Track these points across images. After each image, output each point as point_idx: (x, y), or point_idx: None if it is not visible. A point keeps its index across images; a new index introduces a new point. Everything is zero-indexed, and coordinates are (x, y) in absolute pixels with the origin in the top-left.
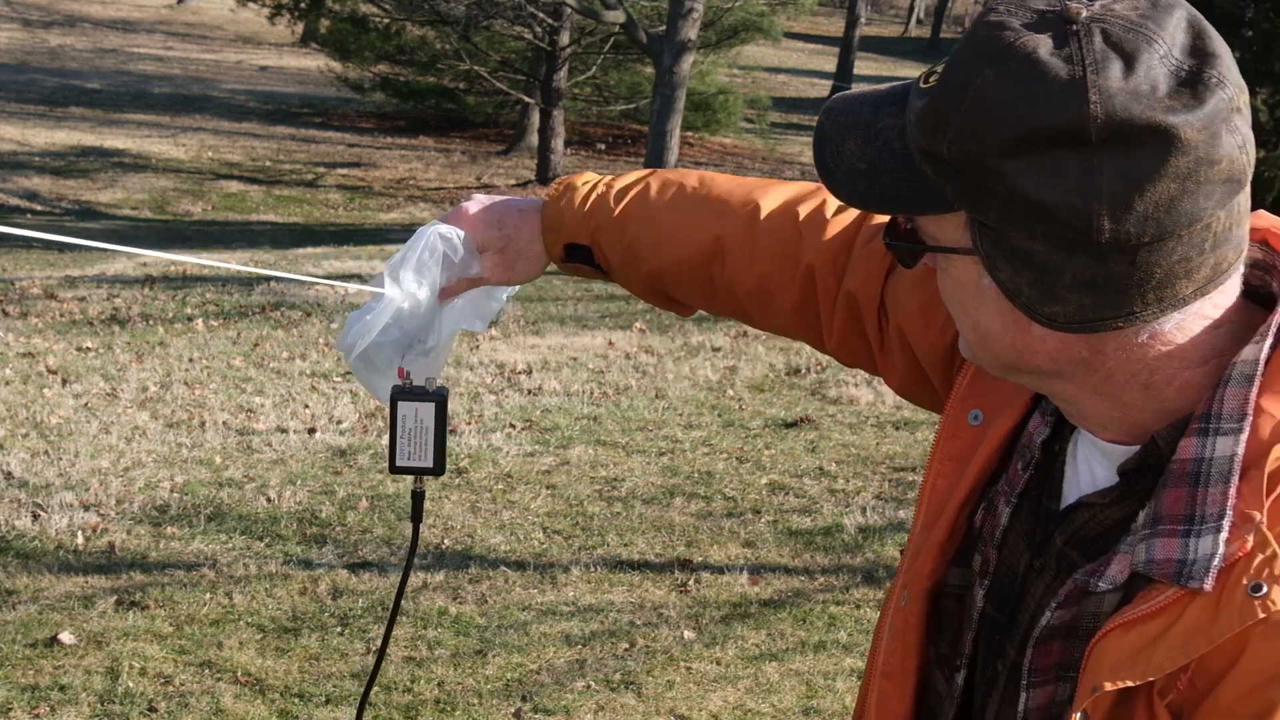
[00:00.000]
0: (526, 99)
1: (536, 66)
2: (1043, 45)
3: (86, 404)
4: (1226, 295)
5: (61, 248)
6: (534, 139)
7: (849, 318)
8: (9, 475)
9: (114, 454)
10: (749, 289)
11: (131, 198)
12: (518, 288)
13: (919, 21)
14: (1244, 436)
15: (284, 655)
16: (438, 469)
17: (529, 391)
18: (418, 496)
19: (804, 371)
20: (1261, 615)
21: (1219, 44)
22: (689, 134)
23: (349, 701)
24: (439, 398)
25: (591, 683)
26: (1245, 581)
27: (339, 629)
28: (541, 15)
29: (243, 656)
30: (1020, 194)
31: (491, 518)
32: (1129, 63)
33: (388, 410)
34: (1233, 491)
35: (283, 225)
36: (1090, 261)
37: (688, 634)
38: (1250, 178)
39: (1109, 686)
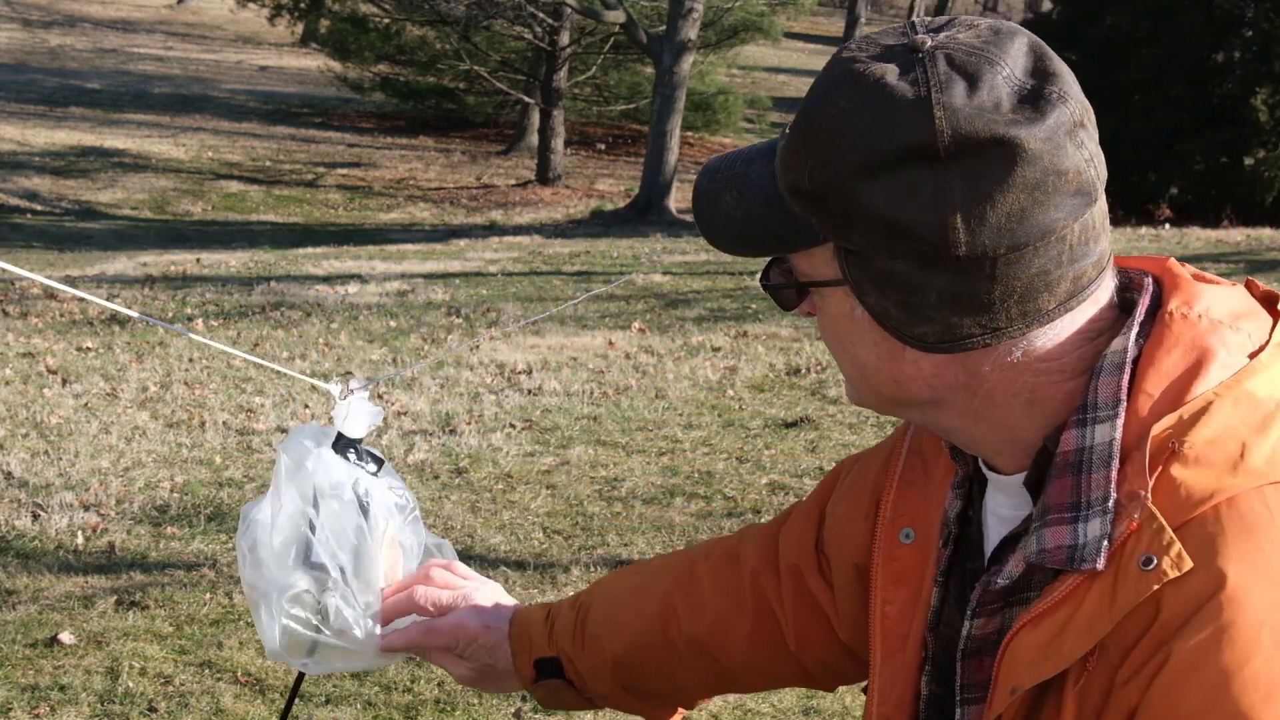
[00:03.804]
0: (526, 99)
1: (536, 66)
2: (890, 72)
3: (86, 404)
4: (1096, 306)
5: (62, 248)
6: (534, 139)
7: (796, 591)
8: (9, 475)
9: (114, 454)
10: (707, 630)
11: (131, 198)
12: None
13: None
14: (1119, 421)
15: None
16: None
17: (529, 391)
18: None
19: (804, 371)
20: (1155, 587)
21: (1060, 65)
22: (689, 134)
23: (349, 701)
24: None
25: None
26: (1137, 557)
27: None
28: (541, 15)
29: (243, 656)
30: (879, 215)
31: (491, 518)
32: (972, 83)
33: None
34: (1114, 474)
35: (283, 225)
36: (952, 278)
37: None
38: (1101, 192)
39: (1030, 683)
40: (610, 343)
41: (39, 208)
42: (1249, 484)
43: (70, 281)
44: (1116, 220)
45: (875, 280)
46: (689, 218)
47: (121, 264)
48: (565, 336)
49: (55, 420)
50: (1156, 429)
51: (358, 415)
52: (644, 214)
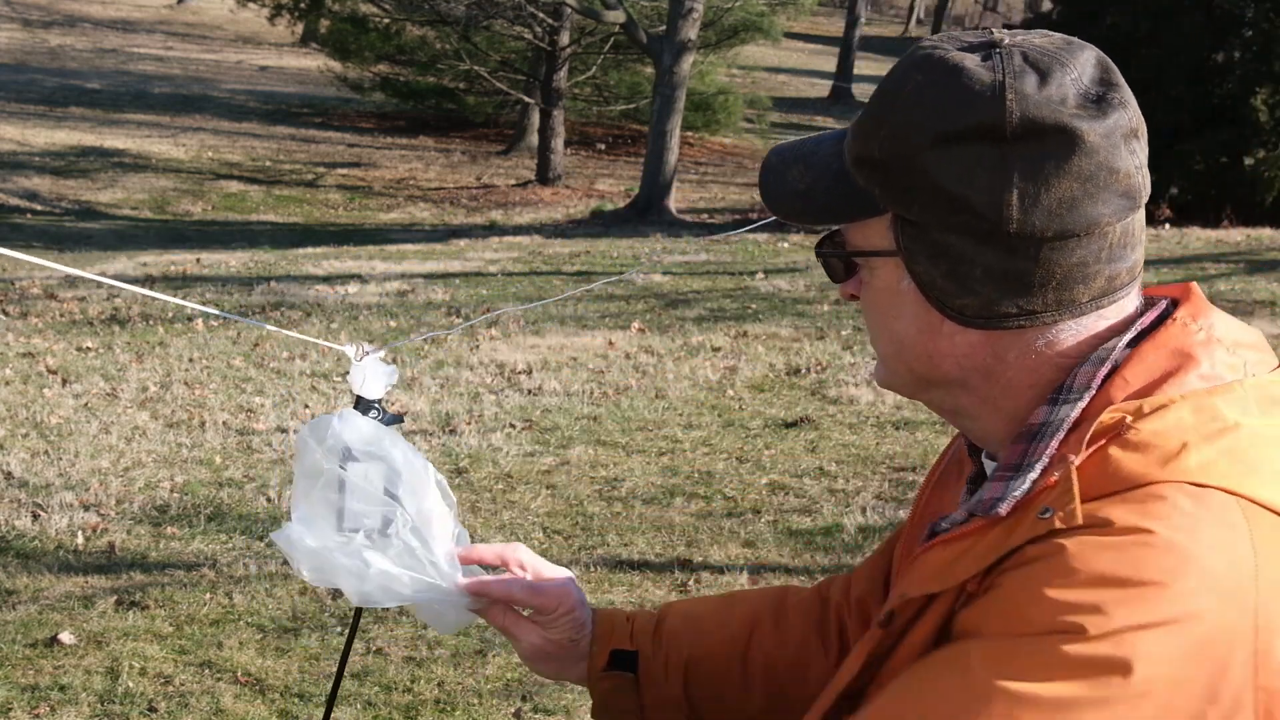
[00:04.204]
0: (526, 99)
1: (536, 66)
2: (969, 59)
3: (86, 404)
4: (1120, 315)
5: (62, 248)
6: (534, 139)
7: (860, 627)
8: (9, 475)
9: (114, 454)
10: (791, 658)
11: (131, 198)
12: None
13: (919, 21)
14: (1082, 404)
15: (284, 655)
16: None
17: (529, 391)
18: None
19: (804, 371)
20: (1044, 531)
21: (1122, 80)
22: (689, 134)
23: (349, 701)
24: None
25: None
26: (1040, 507)
27: (339, 629)
28: (541, 15)
29: (243, 656)
30: (942, 187)
31: (491, 518)
32: (1043, 77)
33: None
34: (1056, 441)
35: (283, 225)
36: (1000, 255)
37: None
38: (1144, 203)
39: (915, 593)
40: (610, 343)
41: (39, 208)
42: (1172, 478)
43: (70, 281)
44: None
45: (928, 252)
46: (689, 218)
47: (121, 264)
48: (565, 336)
49: (55, 420)
50: (1111, 410)
51: (375, 376)
52: (644, 214)
